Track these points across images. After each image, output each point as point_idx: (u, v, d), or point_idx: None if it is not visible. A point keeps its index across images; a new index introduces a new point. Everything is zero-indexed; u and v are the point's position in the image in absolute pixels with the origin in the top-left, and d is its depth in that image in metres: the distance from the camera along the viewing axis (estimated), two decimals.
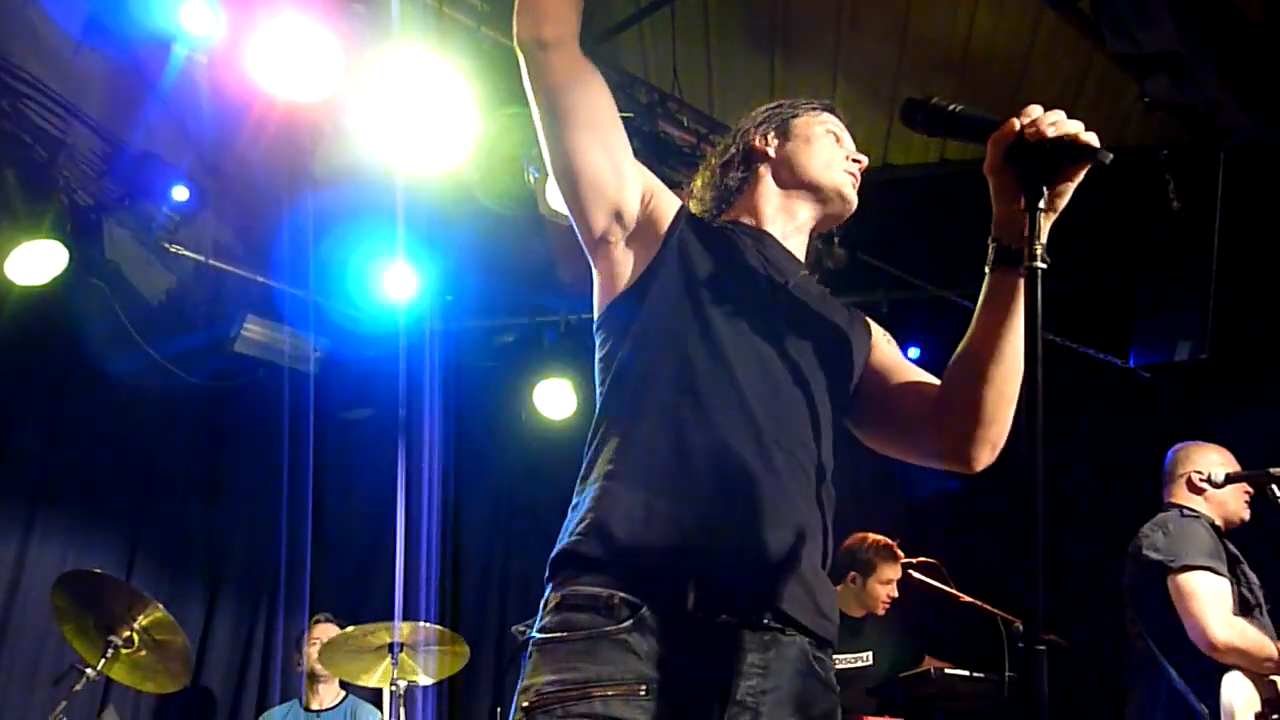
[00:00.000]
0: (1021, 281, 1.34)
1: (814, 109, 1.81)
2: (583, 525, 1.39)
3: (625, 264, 1.59)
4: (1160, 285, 4.91)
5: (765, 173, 1.75)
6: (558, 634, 1.34)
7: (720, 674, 1.33)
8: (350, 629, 3.78)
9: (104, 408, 5.02)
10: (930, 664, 4.04)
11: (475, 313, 5.71)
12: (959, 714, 3.94)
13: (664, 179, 4.22)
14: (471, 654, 5.09)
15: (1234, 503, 3.24)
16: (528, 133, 4.01)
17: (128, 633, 3.54)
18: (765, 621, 1.37)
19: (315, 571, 5.45)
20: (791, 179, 1.74)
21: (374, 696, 4.77)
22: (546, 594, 1.42)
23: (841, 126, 1.81)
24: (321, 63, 3.48)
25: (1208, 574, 2.96)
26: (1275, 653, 2.90)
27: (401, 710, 3.57)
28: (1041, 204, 1.30)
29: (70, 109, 4.61)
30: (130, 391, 5.12)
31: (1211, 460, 3.27)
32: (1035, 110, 1.39)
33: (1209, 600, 2.92)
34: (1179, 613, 2.96)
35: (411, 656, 3.75)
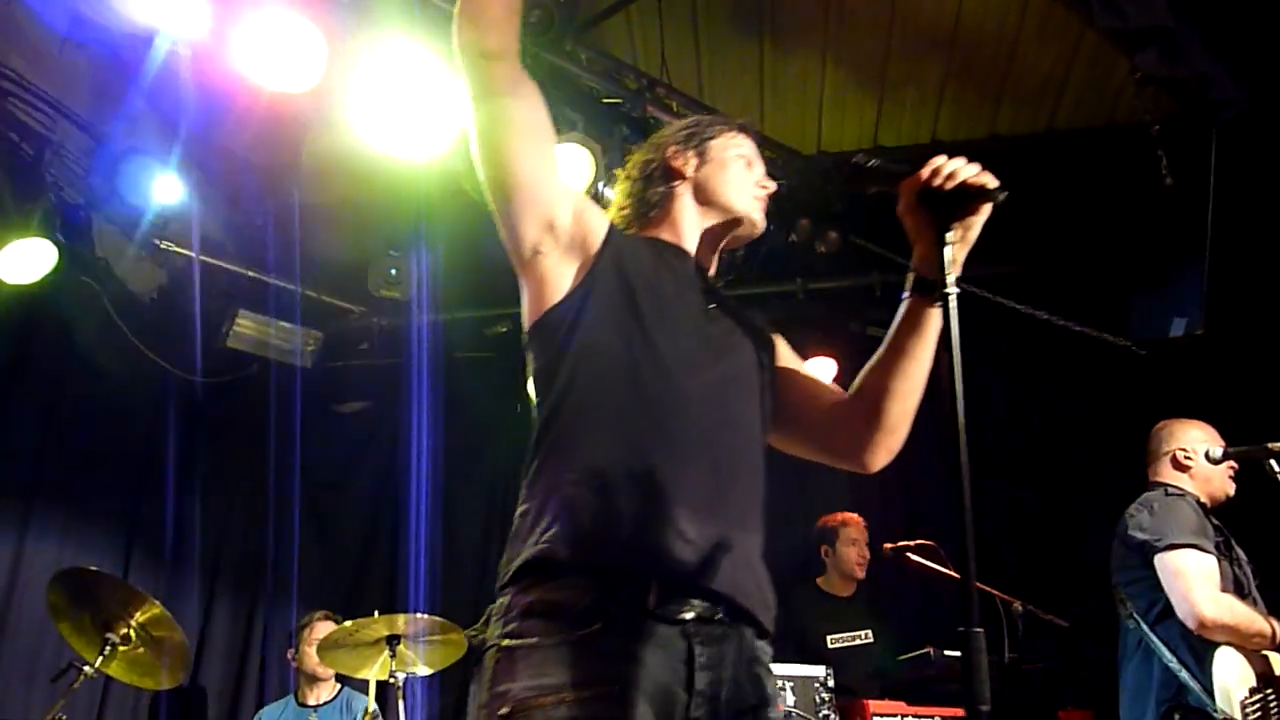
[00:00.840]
0: (935, 310, 1.61)
1: (730, 131, 1.90)
2: (549, 534, 1.44)
3: (557, 275, 1.63)
4: (1155, 262, 4.90)
5: (684, 192, 1.83)
6: (529, 639, 1.39)
7: (682, 668, 1.42)
8: (347, 624, 3.78)
9: (97, 405, 5.01)
10: (929, 647, 4.04)
11: (467, 303, 5.69)
12: (958, 695, 3.94)
13: None
14: (469, 643, 5.13)
15: (1219, 479, 3.23)
16: None
17: (125, 629, 3.53)
18: (718, 617, 1.47)
19: (312, 566, 5.45)
20: (707, 200, 1.83)
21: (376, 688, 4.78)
22: (508, 598, 1.45)
23: (754, 150, 1.91)
24: (306, 53, 3.45)
25: (1194, 551, 2.95)
26: (1266, 628, 2.89)
27: (401, 702, 3.56)
28: (951, 238, 1.50)
29: (56, 106, 4.58)
30: (123, 389, 5.10)
31: (1195, 437, 3.25)
32: (940, 160, 1.58)
33: (1196, 578, 2.91)
34: (1167, 591, 2.95)
35: (410, 648, 3.75)
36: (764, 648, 1.55)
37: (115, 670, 3.66)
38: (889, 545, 4.21)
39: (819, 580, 4.64)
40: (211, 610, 5.28)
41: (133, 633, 3.57)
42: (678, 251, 1.78)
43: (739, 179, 1.84)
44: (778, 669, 3.50)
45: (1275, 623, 2.93)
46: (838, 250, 4.98)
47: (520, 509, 1.53)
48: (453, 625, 3.76)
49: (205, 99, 4.26)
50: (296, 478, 5.35)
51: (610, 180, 4.11)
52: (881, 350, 1.72)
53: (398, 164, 4.00)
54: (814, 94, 5.22)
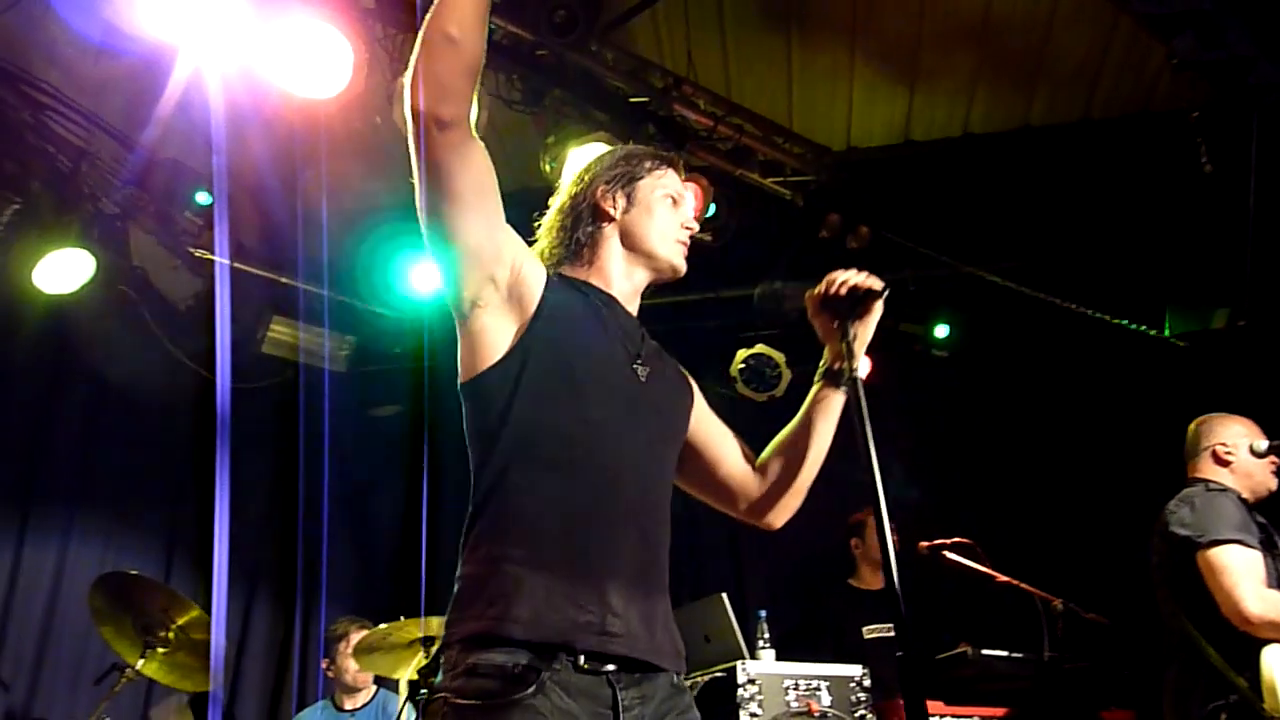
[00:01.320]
0: (839, 394, 1.91)
1: (658, 168, 1.96)
2: (493, 610, 1.54)
3: (494, 332, 1.69)
4: (1194, 253, 4.80)
5: (611, 233, 1.90)
6: (474, 700, 1.50)
7: (609, 713, 1.56)
8: (381, 627, 3.80)
9: (137, 413, 5.08)
10: (966, 647, 3.99)
11: None
12: (996, 694, 3.88)
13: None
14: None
15: (1261, 474, 3.15)
16: (538, 121, 4.02)
17: (164, 632, 3.59)
18: (634, 674, 1.60)
19: (347, 569, 5.50)
20: (633, 245, 1.90)
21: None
22: (453, 653, 1.56)
23: (680, 187, 1.97)
24: (332, 59, 3.47)
25: (1238, 547, 2.88)
26: None
27: (415, 706, 3.58)
28: (851, 333, 1.80)
29: (92, 117, 4.65)
30: (161, 396, 5.17)
31: (1237, 432, 3.18)
32: (837, 274, 1.85)
33: (1240, 574, 2.84)
34: (1210, 588, 2.88)
35: None
36: (679, 674, 1.71)
37: (155, 672, 3.71)
38: (924, 543, 4.17)
39: (849, 580, 4.78)
40: (250, 613, 5.34)
41: (172, 635, 3.63)
42: (607, 300, 1.85)
43: (664, 224, 1.90)
44: (813, 668, 3.48)
45: None
46: (868, 246, 4.94)
47: (463, 570, 1.62)
48: None
49: (236, 107, 4.31)
50: (333, 481, 5.39)
51: None
52: (790, 429, 1.95)
53: None
54: (843, 88, 5.17)
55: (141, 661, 3.55)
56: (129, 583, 3.65)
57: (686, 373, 1.96)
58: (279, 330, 5.41)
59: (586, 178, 1.94)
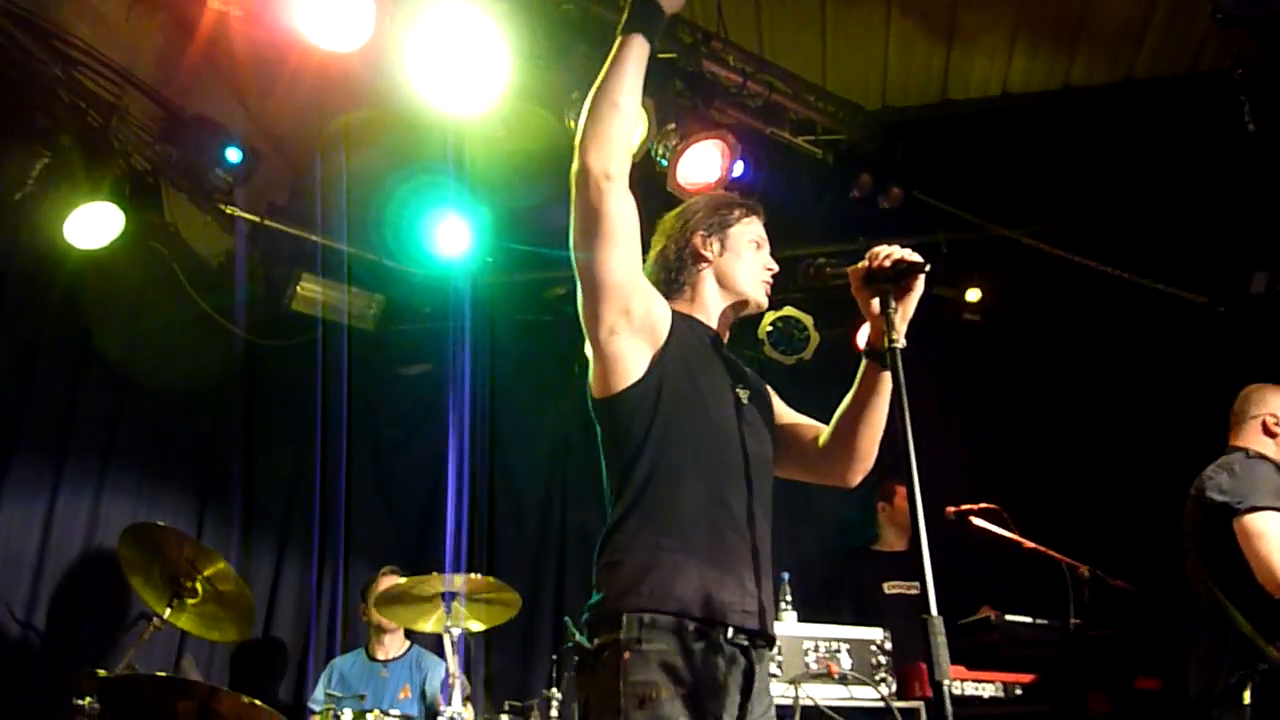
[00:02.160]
0: (886, 373, 2.03)
1: (747, 215, 2.26)
2: (662, 587, 1.85)
3: (631, 356, 1.97)
4: (1236, 215, 4.69)
5: (708, 275, 2.20)
6: (659, 645, 1.80)
7: (741, 676, 1.88)
8: (404, 580, 3.86)
9: (168, 369, 5.13)
10: (988, 611, 3.98)
11: (527, 265, 5.70)
12: (1021, 660, 3.88)
13: (708, 120, 4.12)
14: (531, 601, 5.19)
15: None
16: (564, 77, 3.96)
17: (191, 584, 3.65)
18: (760, 644, 1.94)
19: (378, 525, 5.57)
20: (727, 286, 2.21)
21: (437, 645, 4.88)
22: (624, 617, 1.84)
23: (763, 233, 2.27)
24: (355, 11, 3.45)
25: (1276, 514, 2.84)
26: None
27: (452, 656, 3.64)
28: (895, 307, 1.87)
29: (123, 74, 4.66)
30: (193, 352, 5.23)
31: None
32: (879, 249, 1.96)
33: (1277, 541, 2.81)
34: (1246, 555, 2.84)
35: (463, 604, 3.82)
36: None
37: (184, 622, 3.79)
38: (951, 509, 4.14)
39: (872, 545, 4.85)
40: (282, 567, 5.43)
41: (199, 586, 3.69)
42: (711, 335, 2.17)
43: (752, 266, 2.21)
44: (834, 630, 3.49)
45: None
46: (900, 207, 4.86)
47: (624, 555, 1.91)
48: (506, 585, 3.81)
49: (264, 62, 4.30)
50: (359, 439, 5.45)
51: (663, 136, 4.05)
52: (846, 405, 2.15)
53: (452, 124, 3.99)
54: (878, 46, 5.06)
55: (169, 611, 3.62)
56: (157, 533, 3.71)
57: (767, 385, 2.27)
58: (308, 288, 5.44)
59: (681, 225, 2.23)
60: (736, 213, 2.26)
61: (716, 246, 2.21)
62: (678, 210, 2.30)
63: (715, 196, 2.36)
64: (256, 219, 5.23)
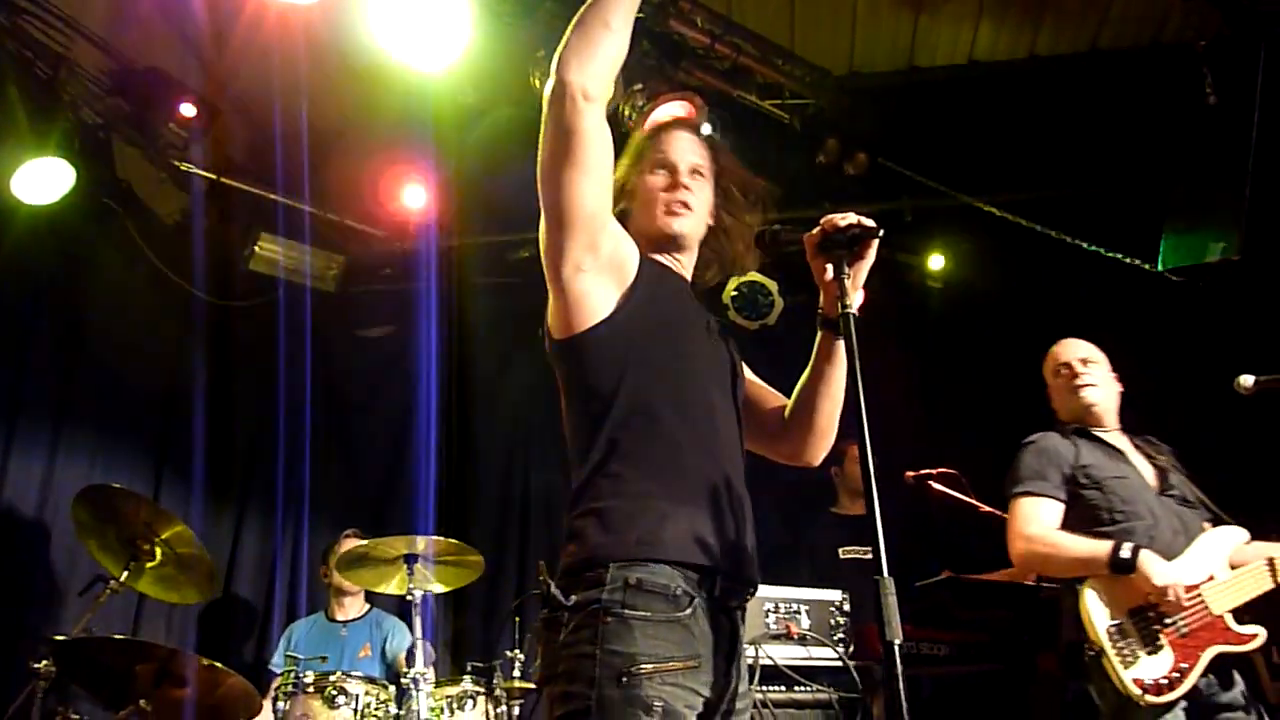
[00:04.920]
0: (841, 342, 1.91)
1: (656, 140, 2.08)
2: (650, 534, 1.73)
3: (596, 293, 1.86)
4: (1193, 185, 4.75)
5: (633, 232, 2.02)
6: (643, 612, 1.68)
7: (728, 643, 1.79)
8: (366, 542, 3.85)
9: (123, 328, 5.03)
10: (947, 573, 4.05)
11: (491, 227, 5.65)
12: (975, 621, 3.96)
13: (675, 82, 4.07)
14: (494, 564, 5.21)
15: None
16: (530, 34, 3.91)
17: (149, 546, 3.60)
18: (747, 596, 1.86)
19: (338, 487, 5.53)
20: (646, 237, 2.03)
21: (397, 607, 4.88)
22: (607, 571, 1.70)
23: (674, 148, 2.06)
24: None
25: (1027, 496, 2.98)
26: (1084, 552, 2.80)
27: (419, 619, 3.64)
28: (848, 273, 1.82)
29: (72, 23, 4.51)
30: (148, 312, 5.13)
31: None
32: (834, 216, 1.87)
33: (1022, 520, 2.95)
34: None
35: (426, 567, 3.82)
36: None
37: (143, 586, 3.75)
38: (910, 473, 4.20)
39: (831, 508, 4.92)
40: (242, 529, 5.38)
41: (158, 549, 3.65)
42: (679, 281, 2.06)
43: (649, 204, 2.04)
44: (794, 592, 3.54)
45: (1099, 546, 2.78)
46: (866, 173, 4.88)
47: (606, 502, 1.77)
48: (469, 547, 3.81)
49: (222, 17, 4.19)
50: (320, 401, 5.39)
51: (630, 97, 4.02)
52: (804, 378, 2.08)
53: (415, 82, 3.92)
54: (847, 10, 5.04)
55: (126, 574, 3.58)
56: (112, 495, 3.65)
57: (734, 338, 2.15)
58: (267, 248, 5.34)
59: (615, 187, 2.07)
60: (639, 147, 2.09)
61: (624, 204, 2.05)
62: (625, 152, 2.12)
63: (641, 134, 2.18)
64: (213, 176, 5.12)
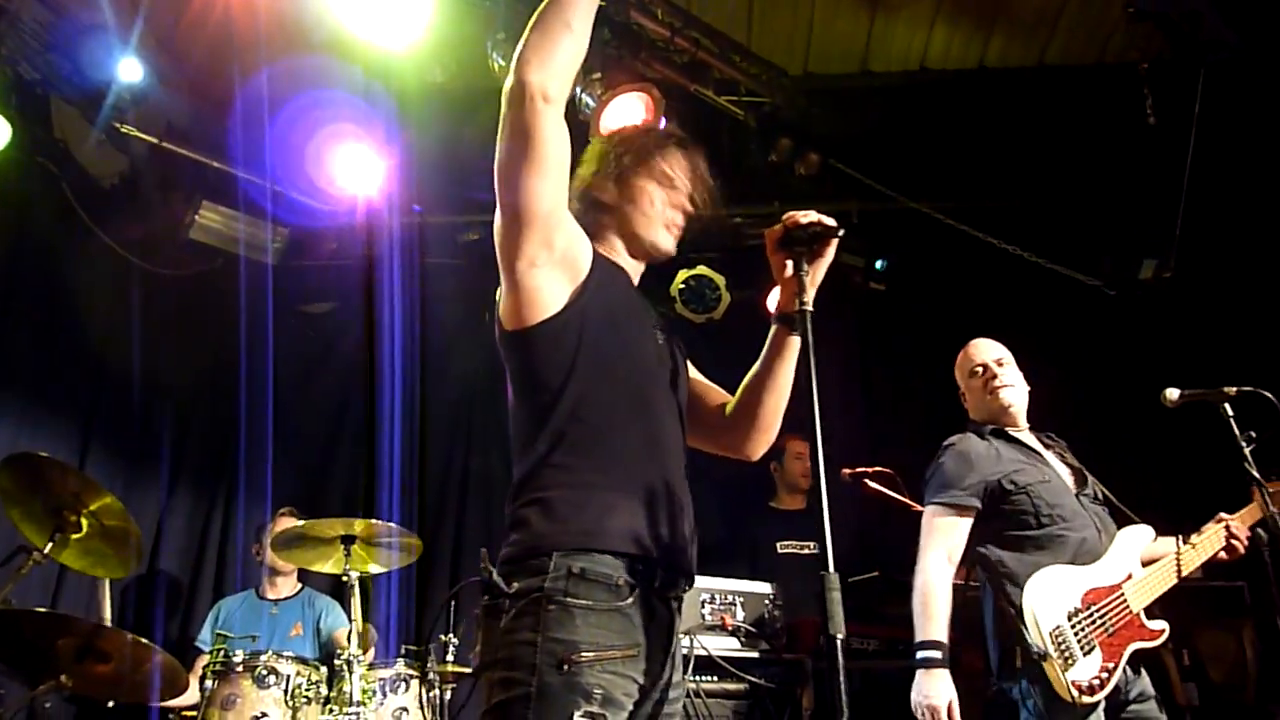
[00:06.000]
0: (794, 337, 2.01)
1: (660, 149, 2.11)
2: (594, 524, 1.76)
3: (550, 289, 1.87)
4: (1130, 202, 4.89)
5: (610, 223, 2.09)
6: (585, 601, 1.70)
7: (666, 633, 1.82)
8: (304, 522, 3.79)
9: (54, 292, 4.89)
10: (878, 571, 4.13)
11: (441, 207, 5.59)
12: (904, 618, 4.05)
13: (634, 72, 4.06)
14: (430, 548, 5.17)
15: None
16: (492, 15, 3.88)
17: (75, 518, 3.51)
18: (684, 589, 1.89)
19: (274, 461, 5.44)
20: (626, 234, 2.08)
21: (332, 587, 4.83)
22: (549, 559, 1.72)
23: (680, 165, 2.11)
24: None
25: (939, 508, 2.98)
26: (929, 614, 2.81)
27: (355, 599, 3.61)
28: (807, 270, 1.88)
29: None
30: (81, 277, 4.99)
31: None
32: (795, 213, 1.92)
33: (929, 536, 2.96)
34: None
35: (364, 548, 3.78)
36: None
37: (67, 558, 3.64)
38: (847, 470, 4.27)
39: (770, 502, 4.97)
40: (171, 503, 5.27)
41: (84, 521, 3.55)
42: (627, 279, 2.08)
43: (653, 210, 2.07)
44: (730, 584, 3.59)
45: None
46: (817, 174, 4.93)
47: (550, 492, 1.79)
48: (409, 530, 3.79)
49: None
50: (258, 375, 5.29)
51: (589, 85, 4.01)
52: (753, 372, 2.10)
53: (376, 58, 3.87)
54: (805, 13, 5.09)
55: (51, 545, 3.48)
56: (39, 464, 3.54)
57: (680, 338, 2.18)
58: (208, 217, 5.21)
59: (593, 167, 2.11)
60: (648, 149, 2.12)
61: (614, 191, 2.08)
62: (598, 145, 2.17)
63: (635, 132, 2.25)
64: (155, 140, 4.98)
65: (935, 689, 2.72)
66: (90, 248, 4.97)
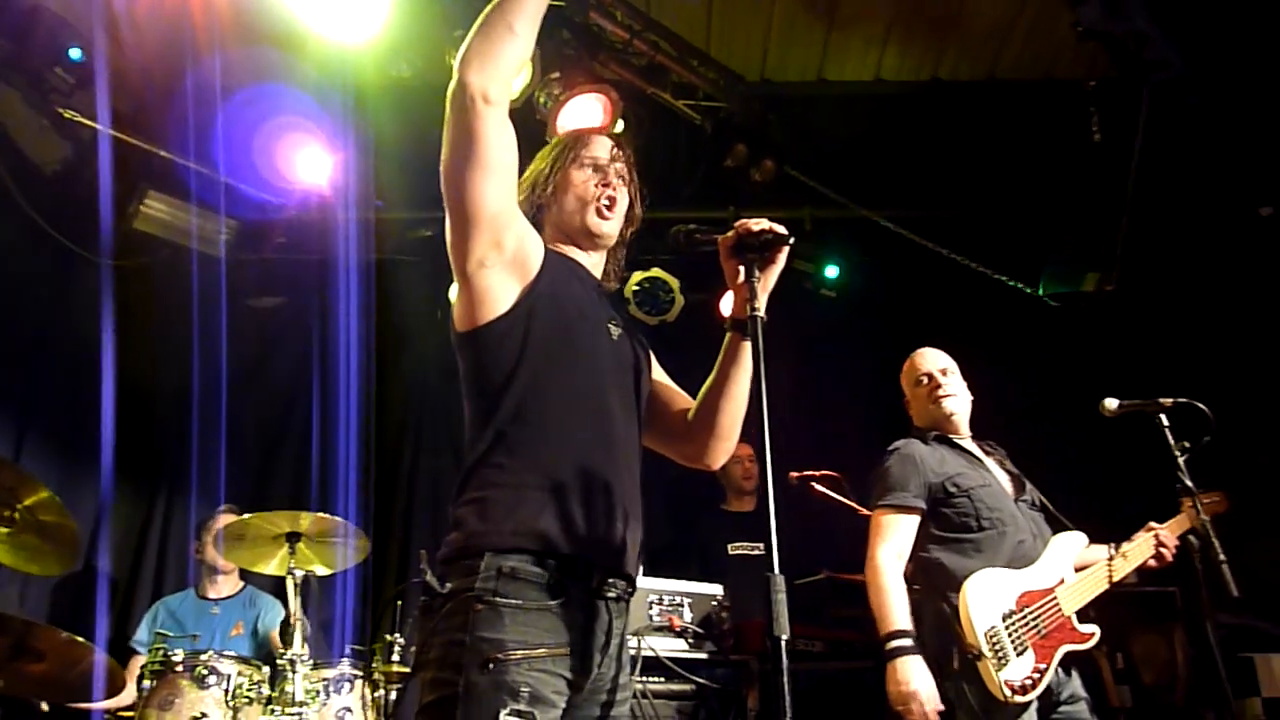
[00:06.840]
0: (747, 343, 1.97)
1: (585, 142, 2.14)
2: (527, 524, 1.77)
3: (500, 289, 1.89)
4: (1075, 216, 5.01)
5: (552, 217, 2.12)
6: (514, 600, 1.71)
7: (602, 634, 1.81)
8: (248, 516, 3.73)
9: None
10: (824, 573, 4.18)
11: (394, 203, 5.54)
12: (849, 620, 4.10)
13: (592, 73, 4.08)
14: (378, 548, 5.12)
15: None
16: (449, 12, 3.85)
17: (9, 513, 3.41)
18: (627, 592, 1.90)
19: (217, 461, 5.33)
20: (565, 225, 2.10)
21: (274, 587, 4.75)
22: (481, 560, 1.73)
23: (605, 152, 2.13)
24: None
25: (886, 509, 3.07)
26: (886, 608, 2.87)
27: (297, 599, 3.56)
28: (759, 276, 1.89)
29: None
30: (20, 265, 4.85)
31: None
32: (748, 220, 1.93)
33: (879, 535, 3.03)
34: None
35: (310, 546, 3.73)
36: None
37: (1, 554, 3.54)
38: (794, 473, 4.31)
39: (721, 504, 5.00)
40: (110, 498, 5.15)
41: (18, 516, 3.45)
42: (584, 273, 2.09)
43: (582, 194, 2.09)
44: (678, 585, 3.60)
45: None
46: (772, 180, 4.98)
47: (486, 491, 1.81)
48: (357, 529, 3.74)
49: None
50: (203, 370, 5.19)
51: (546, 85, 4.00)
52: (709, 381, 2.10)
53: (329, 46, 3.82)
54: (763, 21, 5.14)
55: None
56: None
57: (643, 336, 2.18)
58: (154, 206, 5.11)
59: (535, 171, 2.13)
60: (576, 140, 2.16)
61: (550, 189, 2.11)
62: (547, 146, 2.19)
63: (573, 131, 2.28)
64: (99, 127, 4.86)
65: (911, 675, 2.77)
66: (29, 235, 4.84)
